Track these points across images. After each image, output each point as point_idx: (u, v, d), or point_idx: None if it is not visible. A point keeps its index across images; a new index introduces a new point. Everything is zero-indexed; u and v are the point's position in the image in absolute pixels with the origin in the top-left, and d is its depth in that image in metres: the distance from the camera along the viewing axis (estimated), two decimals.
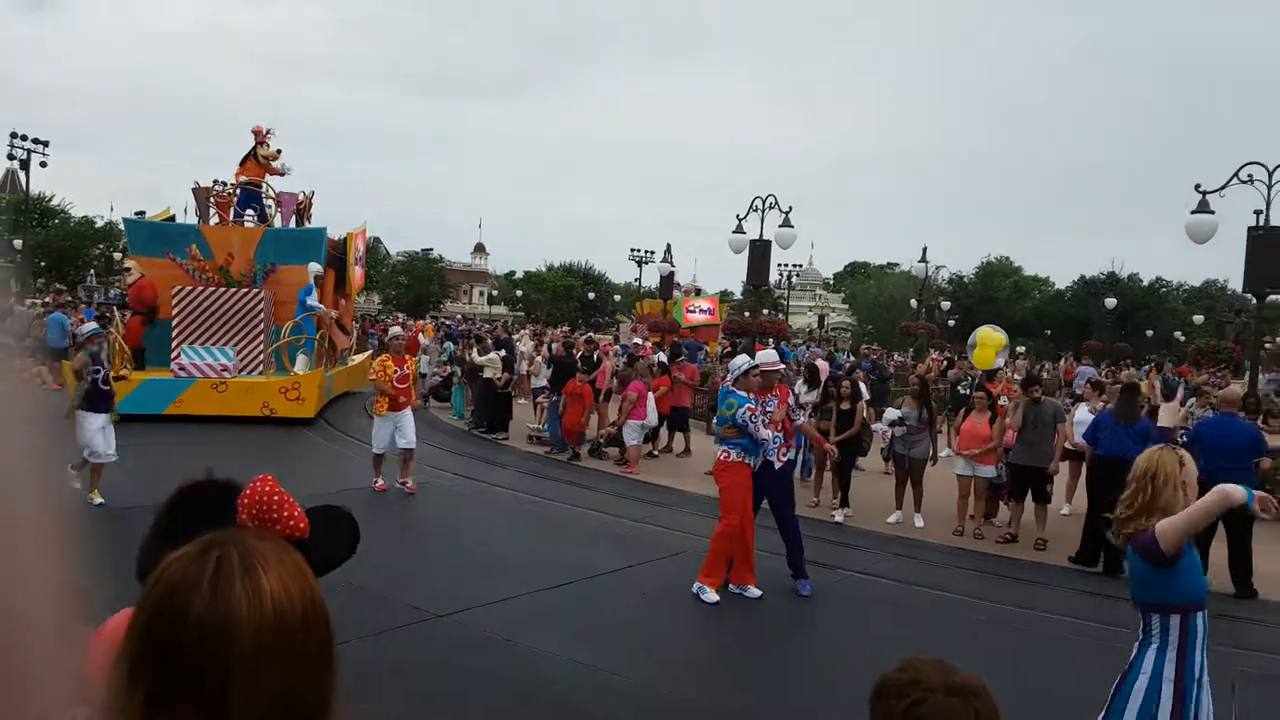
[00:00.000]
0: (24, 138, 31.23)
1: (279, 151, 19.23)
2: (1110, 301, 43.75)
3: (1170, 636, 3.40)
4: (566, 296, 69.74)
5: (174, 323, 16.33)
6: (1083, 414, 10.89)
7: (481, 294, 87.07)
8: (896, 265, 73.90)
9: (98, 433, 8.92)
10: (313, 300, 17.09)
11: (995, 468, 10.39)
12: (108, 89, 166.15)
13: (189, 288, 16.70)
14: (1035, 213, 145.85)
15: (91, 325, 10.33)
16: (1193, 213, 12.65)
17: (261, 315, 16.70)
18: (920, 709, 1.60)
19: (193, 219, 19.22)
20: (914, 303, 43.11)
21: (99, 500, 8.82)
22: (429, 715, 5.03)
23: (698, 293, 33.58)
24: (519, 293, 76.46)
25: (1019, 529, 10.26)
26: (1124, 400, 9.31)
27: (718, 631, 6.96)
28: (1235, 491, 3.28)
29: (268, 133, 19.23)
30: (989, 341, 15.36)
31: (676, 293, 38.34)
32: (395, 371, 10.78)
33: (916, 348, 33.67)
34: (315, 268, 17.37)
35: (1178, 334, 52.69)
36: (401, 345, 11.58)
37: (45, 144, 31.95)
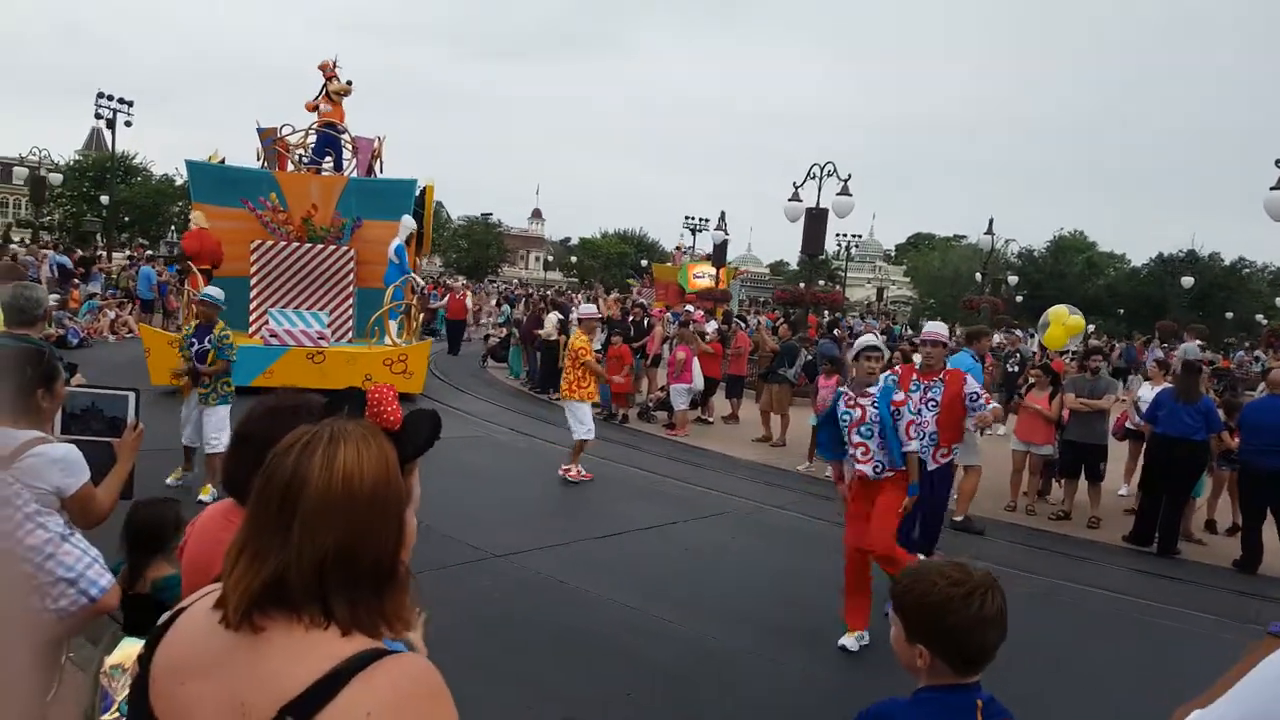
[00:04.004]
0: (110, 98, 31.70)
1: (350, 84, 16.78)
2: (1187, 280, 41.83)
3: None
4: (620, 263, 69.68)
5: (253, 283, 14.52)
6: (1146, 393, 10.54)
7: (538, 259, 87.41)
8: (963, 238, 71.11)
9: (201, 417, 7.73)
10: (403, 260, 14.78)
11: (1051, 445, 10.19)
12: (170, 49, 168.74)
13: (268, 243, 14.64)
14: (1114, 188, 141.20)
15: (212, 289, 8.57)
16: (1272, 189, 12.09)
17: (351, 276, 15.00)
18: (989, 605, 1.71)
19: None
20: (979, 276, 41.92)
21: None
22: (485, 638, 5.31)
23: (707, 258, 33.11)
24: (574, 259, 76.65)
25: (1072, 507, 10.07)
26: (1185, 379, 9.00)
27: (760, 588, 6.95)
28: None
29: (335, 66, 16.61)
30: (1063, 321, 14.74)
31: (685, 258, 38.11)
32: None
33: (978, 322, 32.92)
34: (409, 223, 15.04)
35: (1259, 317, 49.91)
36: (593, 324, 10.36)
37: (130, 104, 32.34)
